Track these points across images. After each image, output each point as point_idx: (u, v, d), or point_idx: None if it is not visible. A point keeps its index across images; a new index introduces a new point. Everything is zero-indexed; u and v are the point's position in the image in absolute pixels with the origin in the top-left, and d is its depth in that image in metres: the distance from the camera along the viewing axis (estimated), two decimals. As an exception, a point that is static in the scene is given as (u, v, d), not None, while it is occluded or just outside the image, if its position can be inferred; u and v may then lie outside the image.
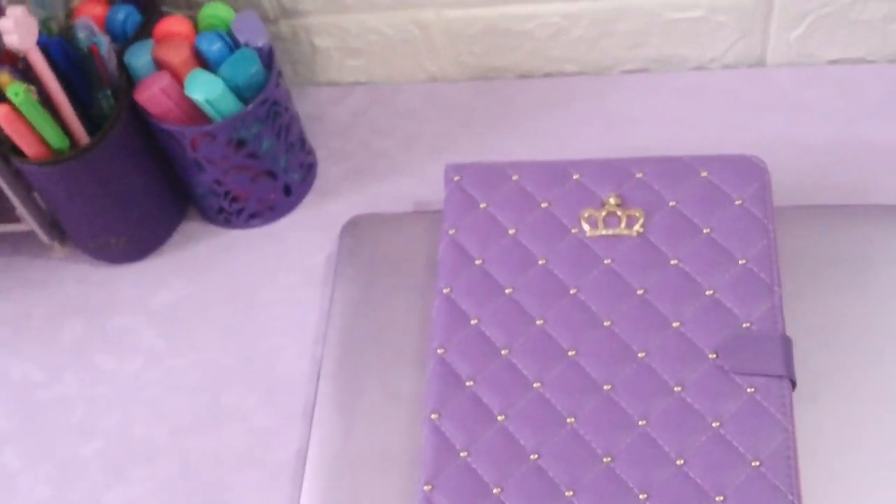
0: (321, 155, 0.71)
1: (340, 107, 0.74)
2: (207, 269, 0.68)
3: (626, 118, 0.69)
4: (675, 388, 0.54)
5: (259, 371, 0.63)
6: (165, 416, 0.62)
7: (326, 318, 0.63)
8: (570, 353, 0.56)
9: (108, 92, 0.62)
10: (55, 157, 0.60)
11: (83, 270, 0.69)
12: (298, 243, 0.68)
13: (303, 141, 0.69)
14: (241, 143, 0.63)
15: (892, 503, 0.52)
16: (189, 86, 0.60)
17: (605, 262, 0.58)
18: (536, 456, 0.53)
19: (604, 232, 0.59)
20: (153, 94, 0.61)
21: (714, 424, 0.53)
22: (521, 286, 0.58)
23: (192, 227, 0.70)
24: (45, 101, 0.60)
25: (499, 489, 0.53)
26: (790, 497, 0.50)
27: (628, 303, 0.57)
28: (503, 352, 0.57)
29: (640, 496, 0.51)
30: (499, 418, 0.55)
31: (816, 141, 0.66)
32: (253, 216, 0.68)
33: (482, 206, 0.62)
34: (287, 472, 0.59)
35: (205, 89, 0.60)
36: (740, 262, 0.57)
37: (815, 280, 0.59)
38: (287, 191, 0.68)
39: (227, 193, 0.66)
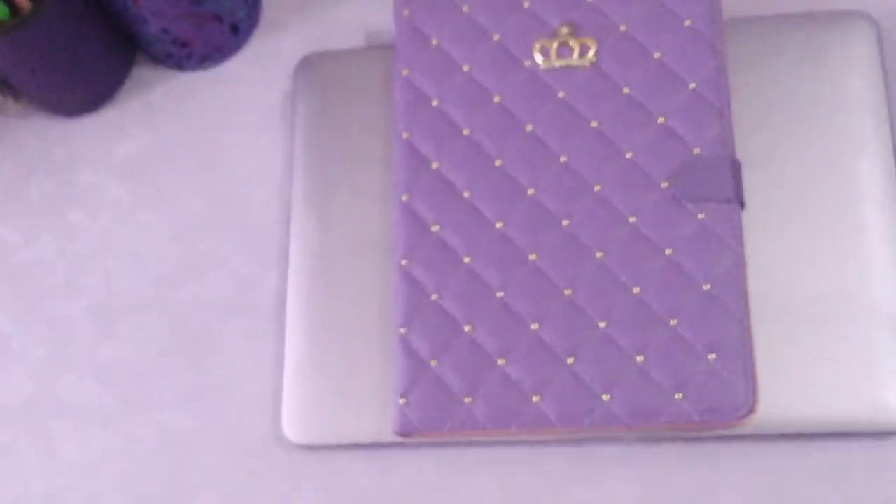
0: (265, -15, 0.70)
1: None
2: (164, 116, 0.68)
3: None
4: (630, 219, 0.57)
5: (230, 218, 0.65)
6: (145, 270, 0.65)
7: (290, 161, 0.64)
8: (529, 192, 0.58)
9: (38, -48, 0.59)
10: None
11: (41, 125, 0.69)
12: (252, 83, 0.68)
13: (245, -24, 0.67)
14: (182, -7, 0.62)
15: (836, 328, 0.56)
16: (121, -58, 0.58)
17: (559, 95, 0.59)
18: (503, 294, 0.57)
19: (557, 63, 0.60)
20: (85, -46, 0.58)
21: (667, 252, 0.56)
22: (479, 126, 0.60)
23: (143, 73, 0.69)
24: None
25: (469, 326, 0.56)
26: (739, 316, 0.54)
27: (583, 136, 0.58)
28: (465, 194, 0.59)
29: (601, 324, 0.55)
30: (465, 260, 0.58)
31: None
32: (203, 59, 0.67)
33: (434, 42, 0.62)
34: (270, 315, 0.62)
35: (138, -54, 0.58)
36: (690, 86, 0.58)
37: (767, 97, 0.60)
38: (234, 29, 0.67)
39: (174, 40, 0.65)
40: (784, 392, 0.55)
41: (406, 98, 0.61)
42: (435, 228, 0.58)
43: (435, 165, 0.59)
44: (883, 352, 0.55)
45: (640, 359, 0.54)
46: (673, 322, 0.55)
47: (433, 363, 0.56)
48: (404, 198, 0.59)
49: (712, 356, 0.54)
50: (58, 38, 0.61)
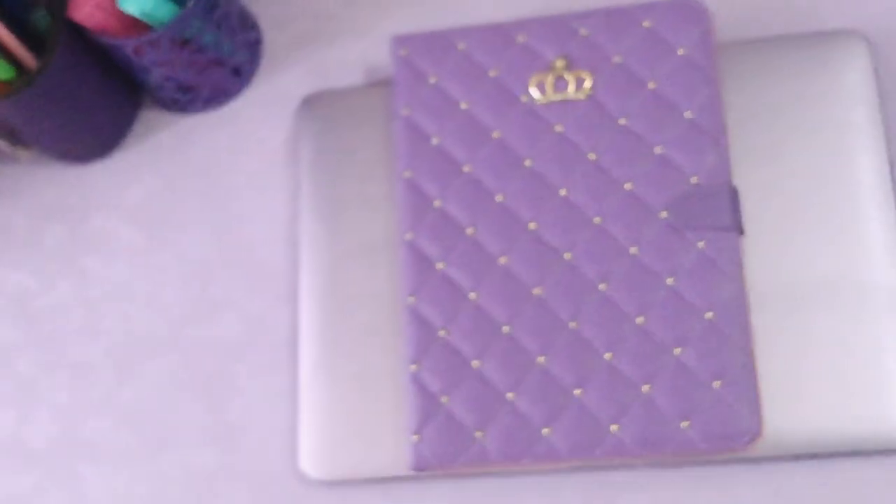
0: (264, 25, 0.71)
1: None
2: (172, 159, 0.69)
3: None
4: (631, 250, 0.58)
5: (239, 259, 0.66)
6: (160, 312, 0.66)
7: (295, 199, 0.65)
8: (530, 226, 0.59)
9: (44, 11, 0.61)
10: (7, 90, 0.60)
11: (52, 173, 0.71)
12: (256, 123, 0.69)
13: (244, 19, 0.68)
14: (184, 43, 0.63)
15: (845, 348, 0.56)
16: (121, 0, 0.59)
17: (557, 129, 0.60)
18: (509, 328, 0.58)
19: (553, 97, 0.61)
20: (89, 11, 0.60)
21: (669, 281, 0.57)
22: (479, 162, 0.61)
23: (150, 116, 0.70)
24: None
25: (478, 362, 0.58)
26: (741, 343, 0.55)
27: (581, 169, 0.59)
28: (468, 230, 0.60)
29: (606, 355, 0.57)
30: (471, 296, 0.59)
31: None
32: (208, 102, 0.69)
33: (432, 80, 0.63)
34: (282, 353, 0.64)
35: (137, 3, 0.59)
36: (685, 115, 0.59)
37: (763, 120, 0.61)
38: (236, 72, 0.68)
39: (178, 87, 0.66)
40: (793, 412, 0.56)
41: (406, 137, 0.62)
42: (440, 266, 0.60)
43: (437, 203, 0.61)
44: (891, 369, 0.56)
45: (646, 388, 0.56)
46: (677, 351, 0.56)
47: (444, 399, 0.57)
48: (408, 237, 0.60)
49: (717, 383, 0.55)
50: (64, 92, 0.63)
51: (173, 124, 0.70)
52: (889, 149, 0.60)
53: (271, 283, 0.65)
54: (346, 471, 0.60)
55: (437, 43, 0.63)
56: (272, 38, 0.70)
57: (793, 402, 0.56)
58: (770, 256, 0.58)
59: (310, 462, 0.60)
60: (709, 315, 0.56)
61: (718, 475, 0.58)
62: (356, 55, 0.69)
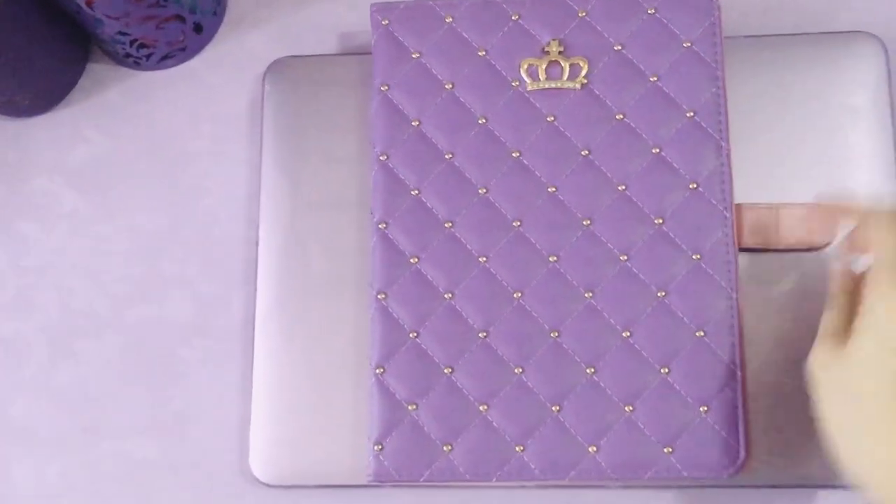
0: (231, -24, 0.65)
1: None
2: (122, 119, 0.63)
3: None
4: (621, 258, 0.54)
5: (194, 233, 0.61)
6: (103, 287, 0.61)
7: (258, 172, 0.60)
8: (515, 224, 0.55)
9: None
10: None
11: (-11, 125, 0.64)
12: (217, 86, 0.63)
13: (210, -30, 0.62)
14: (142, -5, 0.57)
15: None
16: (74, -56, 0.53)
17: (548, 119, 0.56)
18: (485, 334, 0.54)
19: (546, 85, 0.56)
20: (34, -46, 0.53)
21: (659, 294, 0.53)
22: (462, 150, 0.56)
23: (99, 70, 0.64)
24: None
25: (449, 369, 0.53)
26: (733, 367, 0.52)
27: (573, 165, 0.55)
28: (447, 224, 0.55)
29: (588, 370, 0.53)
30: (446, 296, 0.54)
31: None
32: (164, 58, 0.62)
33: (415, 55, 0.57)
34: (236, 339, 0.59)
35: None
36: (688, 114, 0.55)
37: (770, 119, 0.56)
38: (198, 28, 0.62)
39: (132, 42, 0.60)
40: (776, 443, 0.53)
41: (384, 116, 0.57)
42: (414, 261, 0.55)
43: (415, 192, 0.56)
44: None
45: (628, 409, 0.52)
46: (664, 371, 0.52)
47: (411, 407, 0.53)
48: (381, 226, 0.56)
49: (704, 409, 0.51)
50: (5, 36, 0.56)
51: (125, 80, 0.64)
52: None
53: (228, 261, 0.60)
54: (298, 475, 0.55)
55: (422, 14, 0.58)
56: (239, -7, 0.64)
57: (776, 432, 0.53)
58: (770, 262, 0.55)
59: (259, 463, 0.56)
60: (699, 333, 0.52)
61: (697, 499, 0.54)
62: (331, 19, 0.63)
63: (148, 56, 0.62)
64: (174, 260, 0.61)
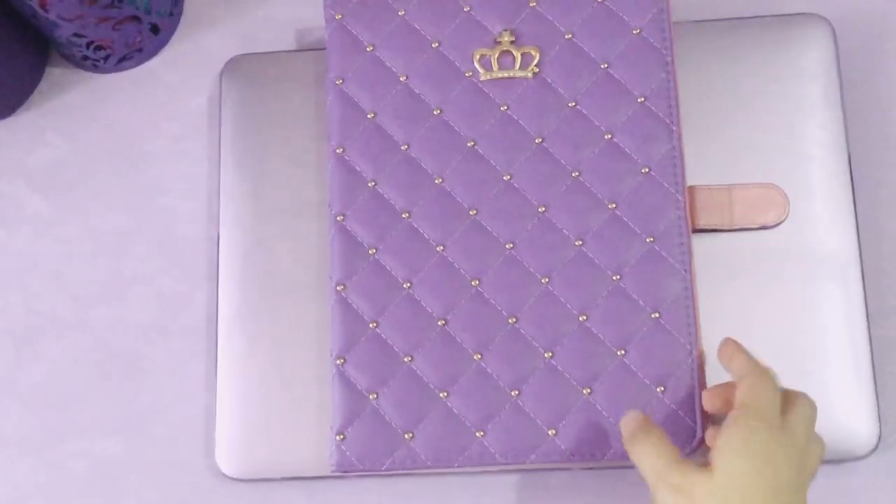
0: (187, -23, 0.65)
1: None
2: (82, 121, 0.63)
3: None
4: (576, 243, 0.54)
5: (155, 232, 0.61)
6: (66, 288, 0.61)
7: (217, 169, 0.61)
8: (471, 213, 0.55)
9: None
10: None
11: (-52, 131, 0.64)
12: (175, 85, 0.63)
13: (165, -30, 0.62)
14: (95, -4, 0.57)
15: (792, 359, 0.54)
16: (25, -54, 0.53)
17: (502, 108, 0.56)
18: (444, 322, 0.54)
19: (499, 75, 0.57)
20: (-14, -43, 0.54)
21: (615, 277, 0.54)
22: (418, 141, 0.56)
23: (58, 73, 0.64)
24: None
25: (409, 357, 0.54)
26: (689, 347, 0.52)
27: (527, 153, 0.56)
28: (404, 215, 0.56)
29: (546, 355, 0.53)
30: (404, 286, 0.55)
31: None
32: (122, 59, 0.63)
33: (368, 49, 0.58)
34: (199, 336, 0.59)
35: (44, -50, 0.53)
36: (639, 99, 0.56)
37: (719, 103, 0.57)
38: (155, 29, 0.62)
39: (89, 44, 0.60)
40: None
41: (340, 109, 0.57)
42: (372, 252, 0.55)
43: (371, 184, 0.56)
44: (837, 379, 0.53)
45: (587, 392, 0.53)
46: (621, 353, 0.53)
47: (371, 397, 0.54)
48: (339, 218, 0.56)
49: (661, 389, 0.52)
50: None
51: (84, 82, 0.64)
52: (848, 133, 0.57)
53: (190, 259, 0.61)
54: (264, 468, 0.56)
55: (375, 7, 0.58)
56: (195, -7, 0.65)
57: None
58: (722, 244, 0.55)
59: (225, 458, 0.56)
60: (655, 315, 0.53)
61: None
62: (286, 15, 0.63)
63: (106, 58, 0.62)
64: (137, 259, 0.61)
